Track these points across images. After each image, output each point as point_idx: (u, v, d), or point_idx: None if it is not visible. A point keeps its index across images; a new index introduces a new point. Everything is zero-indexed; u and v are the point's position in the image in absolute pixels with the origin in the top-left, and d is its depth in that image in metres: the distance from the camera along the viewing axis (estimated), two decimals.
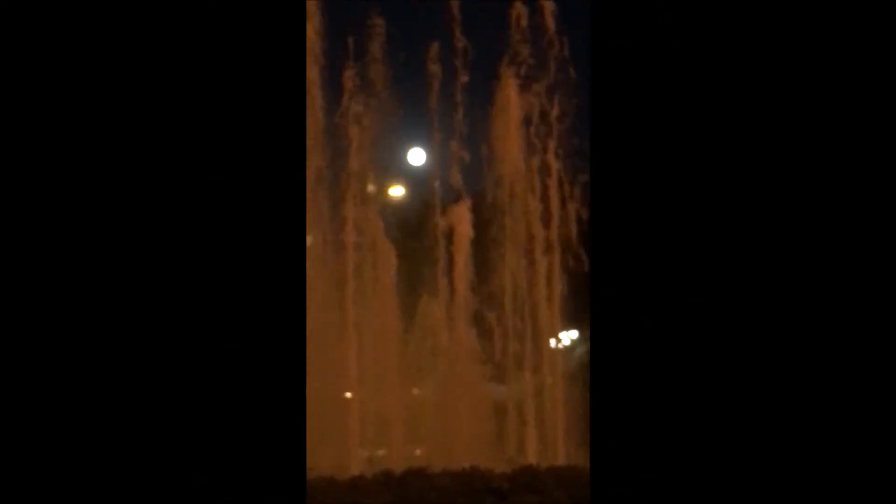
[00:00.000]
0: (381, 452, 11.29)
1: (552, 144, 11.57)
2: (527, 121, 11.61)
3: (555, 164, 11.57)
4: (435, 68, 11.46)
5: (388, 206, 12.21)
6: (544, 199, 11.63)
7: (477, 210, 11.64)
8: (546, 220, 11.64)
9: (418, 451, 11.33)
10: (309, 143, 11.13)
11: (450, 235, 11.56)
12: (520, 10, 11.63)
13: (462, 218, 11.58)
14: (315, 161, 11.19)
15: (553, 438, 11.25)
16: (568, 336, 14.14)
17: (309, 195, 11.20)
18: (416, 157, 12.98)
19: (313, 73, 11.27)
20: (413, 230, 12.46)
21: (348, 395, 11.46)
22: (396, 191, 13.14)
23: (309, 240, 11.51)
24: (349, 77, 11.47)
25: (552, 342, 11.76)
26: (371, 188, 11.85)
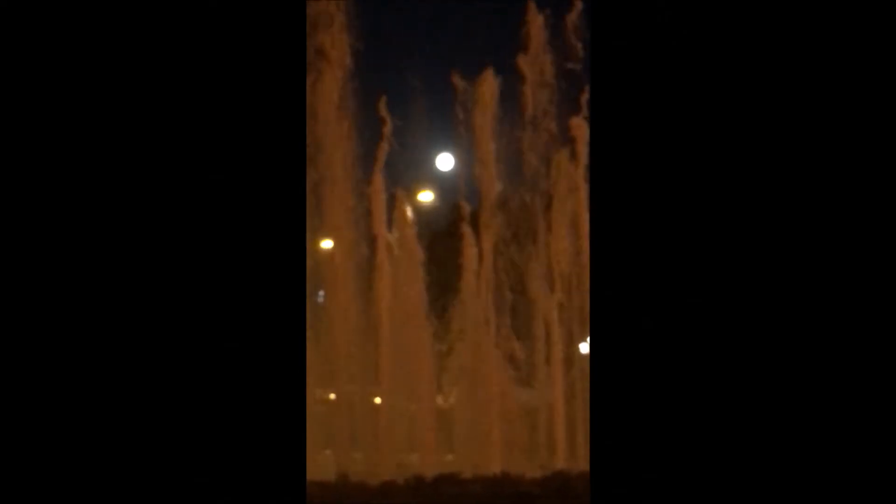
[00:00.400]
0: (411, 457, 11.27)
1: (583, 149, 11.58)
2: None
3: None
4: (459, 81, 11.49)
5: (418, 211, 12.18)
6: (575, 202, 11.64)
7: (506, 213, 11.62)
8: (576, 225, 11.63)
9: (449, 457, 11.33)
10: (337, 148, 11.26)
11: (479, 239, 11.55)
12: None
13: (491, 222, 11.56)
14: (344, 166, 11.26)
15: (584, 443, 11.21)
16: None
17: (338, 199, 11.32)
18: (445, 161, 12.98)
19: (339, 78, 11.29)
20: (443, 234, 12.45)
21: (378, 400, 11.47)
22: (427, 195, 13.12)
23: (338, 245, 11.58)
24: (379, 81, 11.48)
25: (582, 346, 11.72)
26: (403, 192, 11.85)
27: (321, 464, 10.65)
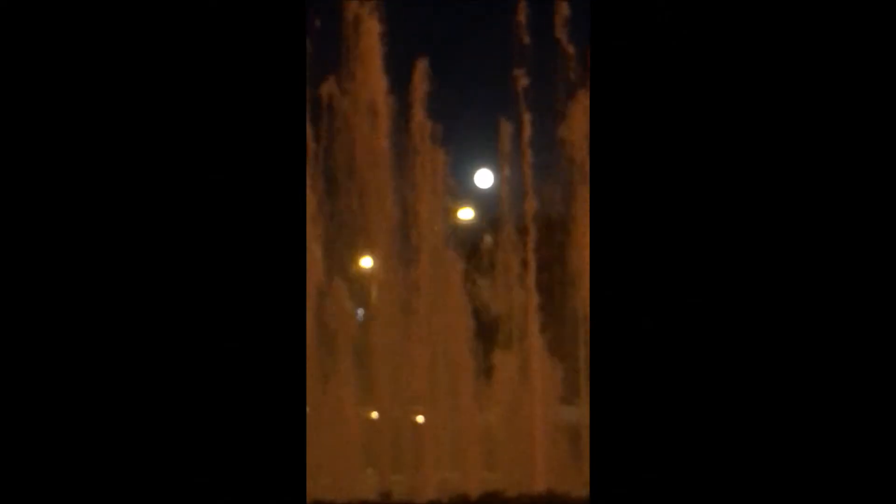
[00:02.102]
0: (454, 476, 11.20)
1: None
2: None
3: None
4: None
5: (456, 226, 12.13)
6: None
7: (545, 228, 11.54)
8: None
9: (493, 475, 11.23)
10: (377, 164, 11.22)
11: (522, 256, 11.47)
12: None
13: (529, 236, 11.48)
14: (384, 182, 11.20)
15: None
16: None
17: (379, 216, 11.28)
18: (484, 177, 12.93)
19: (380, 88, 11.24)
20: (485, 251, 12.36)
21: (420, 418, 11.40)
22: (469, 211, 13.09)
23: (376, 261, 11.53)
24: (418, 96, 11.40)
25: None
26: (444, 208, 11.79)
27: (364, 483, 10.65)
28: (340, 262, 11.32)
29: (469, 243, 12.13)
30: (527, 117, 11.44)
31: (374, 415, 11.34)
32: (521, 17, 11.38)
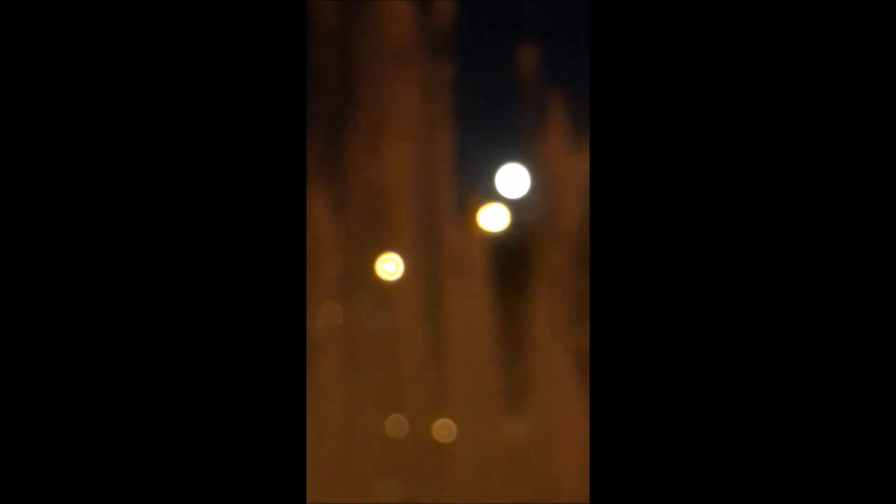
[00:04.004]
0: (482, 489, 11.05)
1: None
2: None
3: None
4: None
5: (484, 232, 12.00)
6: None
7: (579, 235, 11.40)
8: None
9: (521, 487, 11.10)
10: (403, 167, 11.10)
11: (549, 262, 11.33)
12: None
13: (558, 243, 11.34)
14: (410, 186, 11.07)
15: None
16: None
17: (403, 220, 11.17)
18: (513, 180, 12.79)
19: (412, 97, 11.11)
20: (510, 256, 12.22)
21: (445, 428, 11.25)
22: (492, 216, 12.99)
23: (403, 269, 11.43)
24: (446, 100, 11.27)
25: None
26: (467, 213, 11.68)
27: (388, 493, 10.53)
28: (363, 267, 11.26)
29: (496, 250, 12.02)
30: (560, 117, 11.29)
31: (397, 425, 11.26)
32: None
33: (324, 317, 11.12)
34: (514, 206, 12.77)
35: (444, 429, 11.09)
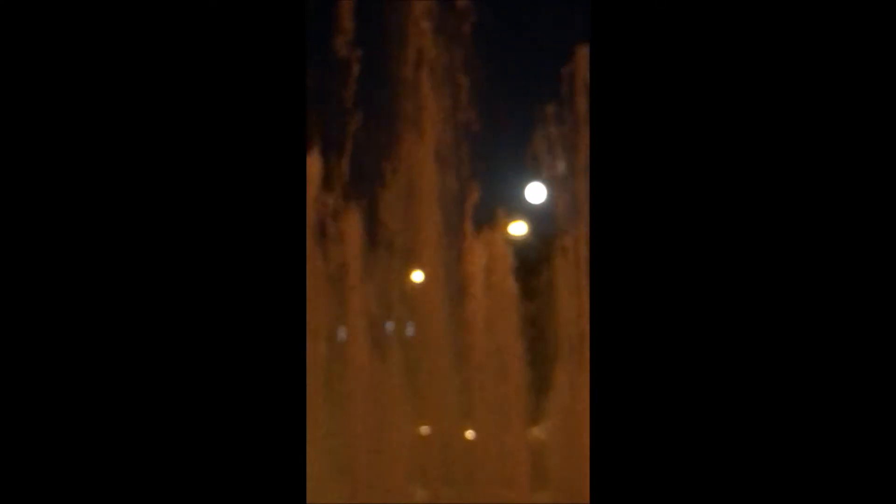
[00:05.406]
0: (505, 493, 11.13)
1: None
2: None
3: None
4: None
5: (509, 241, 12.08)
6: None
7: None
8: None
9: (544, 492, 11.19)
10: (431, 179, 11.21)
11: (573, 270, 11.41)
12: None
13: (579, 252, 11.44)
14: (436, 195, 11.20)
15: None
16: None
17: (429, 229, 11.27)
18: (536, 191, 12.87)
19: (440, 107, 11.25)
20: (536, 265, 12.32)
21: (471, 434, 11.37)
22: (517, 226, 13.04)
23: (428, 275, 11.52)
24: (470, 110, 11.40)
25: None
26: (493, 222, 11.77)
27: (413, 498, 10.62)
28: (391, 275, 11.34)
29: (522, 258, 12.10)
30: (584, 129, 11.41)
31: (424, 429, 11.34)
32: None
33: (355, 324, 11.29)
34: (538, 217, 12.85)
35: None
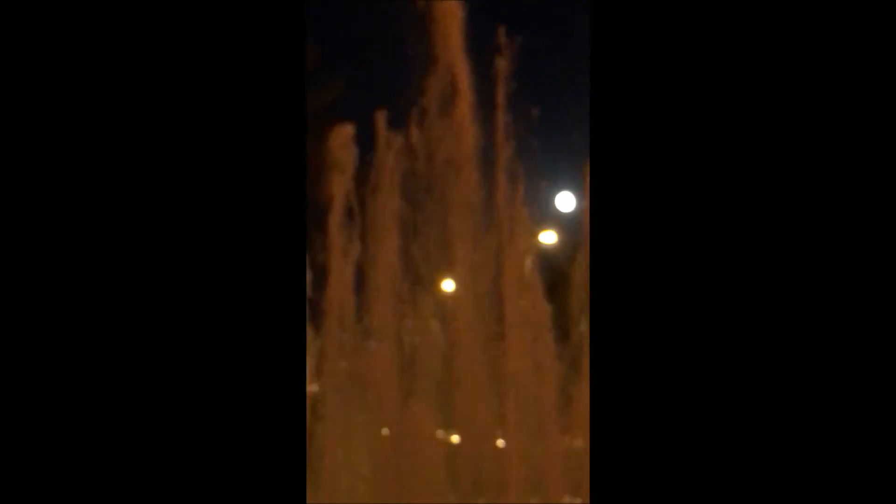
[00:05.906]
0: (537, 502, 11.12)
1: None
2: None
3: None
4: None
5: (540, 253, 12.06)
6: None
7: None
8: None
9: (577, 501, 11.16)
10: (459, 187, 11.22)
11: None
12: None
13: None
14: (466, 205, 11.19)
15: None
16: None
17: (460, 238, 11.27)
18: (566, 201, 12.88)
19: (470, 114, 11.25)
20: (565, 276, 12.32)
21: (502, 442, 11.36)
22: (548, 235, 13.03)
23: (462, 288, 11.52)
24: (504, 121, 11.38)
25: None
26: (525, 235, 11.75)
27: (445, 498, 10.61)
28: (423, 282, 11.36)
29: (552, 266, 12.08)
30: None
31: (456, 438, 11.34)
32: None
33: (387, 331, 11.32)
34: (570, 226, 12.84)
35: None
